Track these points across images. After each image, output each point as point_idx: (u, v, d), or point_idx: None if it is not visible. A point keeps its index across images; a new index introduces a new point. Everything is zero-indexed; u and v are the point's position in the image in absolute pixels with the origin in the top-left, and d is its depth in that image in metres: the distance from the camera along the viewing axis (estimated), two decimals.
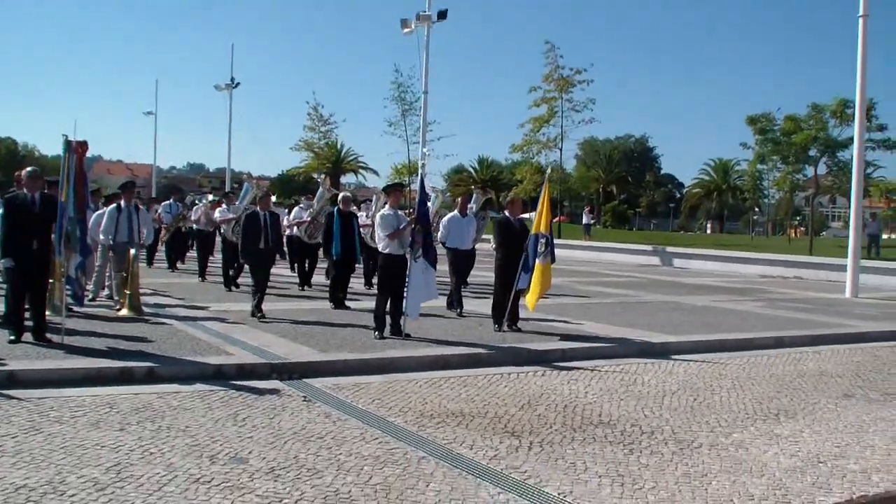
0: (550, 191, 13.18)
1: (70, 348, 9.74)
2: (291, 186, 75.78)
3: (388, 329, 11.58)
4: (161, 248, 23.26)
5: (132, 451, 6.30)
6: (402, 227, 11.68)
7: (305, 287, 17.80)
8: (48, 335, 10.11)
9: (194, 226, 20.11)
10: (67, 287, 10.44)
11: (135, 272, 12.95)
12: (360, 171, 79.07)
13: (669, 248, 35.54)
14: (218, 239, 19.21)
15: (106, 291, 14.54)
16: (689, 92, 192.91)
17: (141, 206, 14.58)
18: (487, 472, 6.14)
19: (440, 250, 13.69)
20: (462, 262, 15.37)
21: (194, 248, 22.16)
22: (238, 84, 51.67)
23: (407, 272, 11.58)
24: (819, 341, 13.45)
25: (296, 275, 18.82)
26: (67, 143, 9.89)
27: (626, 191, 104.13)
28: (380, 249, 11.84)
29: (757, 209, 75.15)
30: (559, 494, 5.73)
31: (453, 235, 15.14)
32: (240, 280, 17.23)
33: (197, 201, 23.11)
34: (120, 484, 5.54)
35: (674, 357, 11.49)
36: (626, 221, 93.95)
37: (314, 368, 9.50)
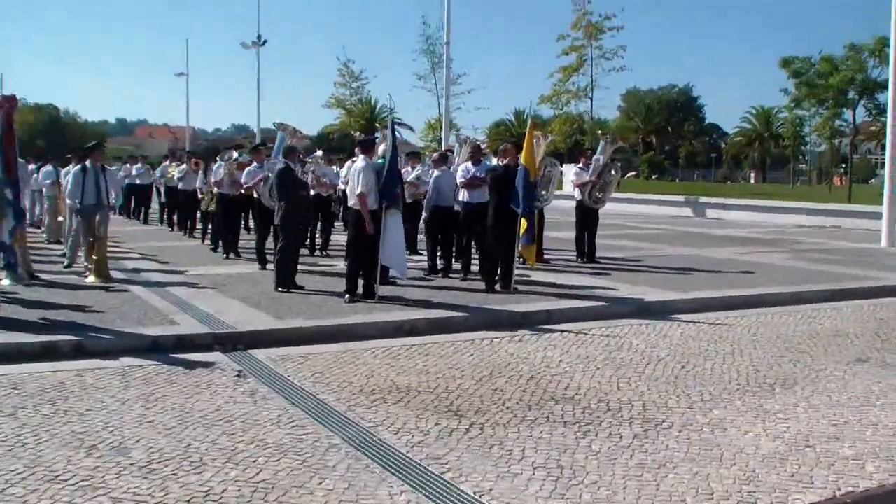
0: (533, 138, 11.86)
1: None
2: (330, 146, 74.82)
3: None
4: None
5: (4, 441, 5.52)
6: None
7: (323, 252, 16.04)
8: None
9: (215, 189, 16.11)
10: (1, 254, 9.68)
11: (101, 237, 12.18)
12: (397, 127, 77.63)
13: (703, 199, 34.12)
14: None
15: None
16: (729, 37, 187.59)
17: (108, 167, 13.73)
18: (400, 464, 5.24)
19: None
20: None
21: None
22: (265, 42, 50.42)
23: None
24: (841, 296, 12.22)
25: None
26: None
27: (668, 141, 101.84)
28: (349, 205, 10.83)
29: (801, 157, 72.84)
30: (475, 493, 4.81)
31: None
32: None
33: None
34: None
35: (673, 317, 10.44)
36: (664, 172, 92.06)
37: (263, 338, 8.66)
